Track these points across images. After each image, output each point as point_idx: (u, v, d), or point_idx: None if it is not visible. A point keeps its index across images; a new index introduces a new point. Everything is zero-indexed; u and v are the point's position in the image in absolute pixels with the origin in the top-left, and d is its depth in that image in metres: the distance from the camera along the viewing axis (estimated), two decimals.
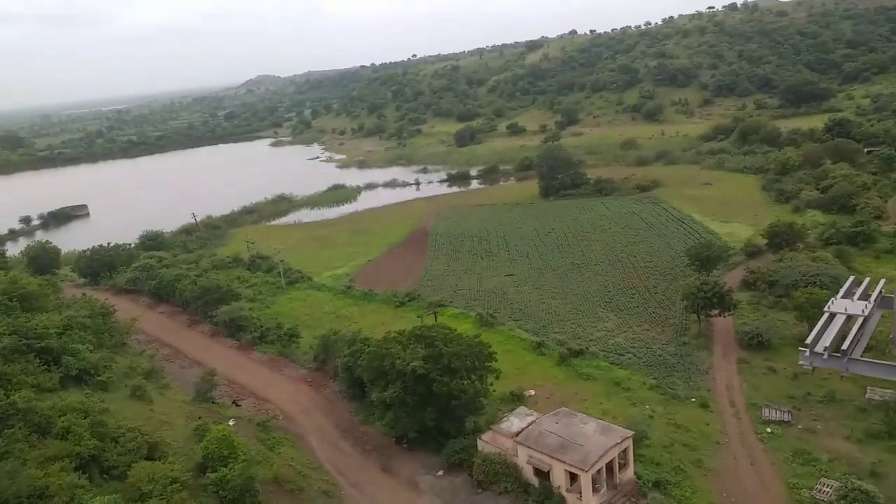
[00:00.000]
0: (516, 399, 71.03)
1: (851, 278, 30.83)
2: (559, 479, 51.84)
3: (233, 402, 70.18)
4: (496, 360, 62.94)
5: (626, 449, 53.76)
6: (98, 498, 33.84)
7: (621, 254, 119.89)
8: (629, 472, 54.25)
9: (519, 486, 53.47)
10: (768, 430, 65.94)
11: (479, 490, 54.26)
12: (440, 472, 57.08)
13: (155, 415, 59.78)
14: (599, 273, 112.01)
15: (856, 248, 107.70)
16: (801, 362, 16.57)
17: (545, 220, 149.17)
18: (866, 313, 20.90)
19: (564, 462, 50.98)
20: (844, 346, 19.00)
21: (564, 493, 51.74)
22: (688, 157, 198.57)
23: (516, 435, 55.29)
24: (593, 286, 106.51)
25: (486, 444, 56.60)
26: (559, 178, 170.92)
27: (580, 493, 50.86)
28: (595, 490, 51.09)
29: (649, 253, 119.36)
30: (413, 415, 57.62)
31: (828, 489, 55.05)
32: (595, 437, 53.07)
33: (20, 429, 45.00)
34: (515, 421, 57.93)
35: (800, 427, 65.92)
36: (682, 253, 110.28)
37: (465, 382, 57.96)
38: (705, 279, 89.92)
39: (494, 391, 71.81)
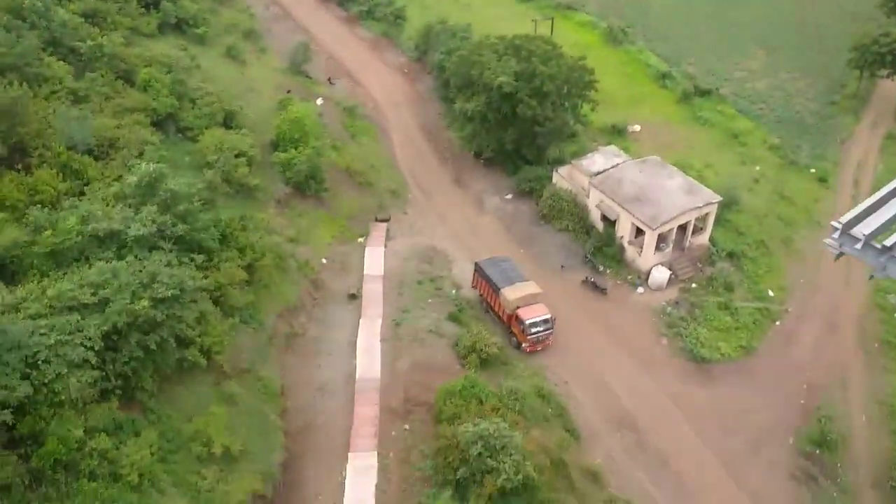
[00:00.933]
0: (617, 132, 66.01)
1: None
2: (624, 230, 49.64)
3: (327, 80, 69.14)
4: (596, 90, 56.94)
5: (707, 214, 49.90)
6: (143, 165, 34.78)
7: None
8: (703, 238, 51.12)
9: (582, 227, 51.90)
10: None
11: (542, 223, 53.25)
12: (509, 196, 55.98)
13: (244, 79, 59.88)
14: None
15: None
16: (825, 241, 10.77)
17: None
18: None
19: (633, 215, 48.19)
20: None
21: (626, 245, 49.93)
22: None
23: (595, 175, 52.10)
24: (755, 13, 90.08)
25: (561, 178, 53.98)
26: None
27: (641, 248, 48.87)
28: (658, 249, 48.87)
29: None
30: (492, 133, 54.78)
31: None
32: (676, 195, 49.13)
33: (103, 74, 45.83)
34: (599, 160, 54.15)
35: None
36: None
37: (555, 109, 53.26)
38: (890, 29, 73.77)
39: (591, 122, 66.76)
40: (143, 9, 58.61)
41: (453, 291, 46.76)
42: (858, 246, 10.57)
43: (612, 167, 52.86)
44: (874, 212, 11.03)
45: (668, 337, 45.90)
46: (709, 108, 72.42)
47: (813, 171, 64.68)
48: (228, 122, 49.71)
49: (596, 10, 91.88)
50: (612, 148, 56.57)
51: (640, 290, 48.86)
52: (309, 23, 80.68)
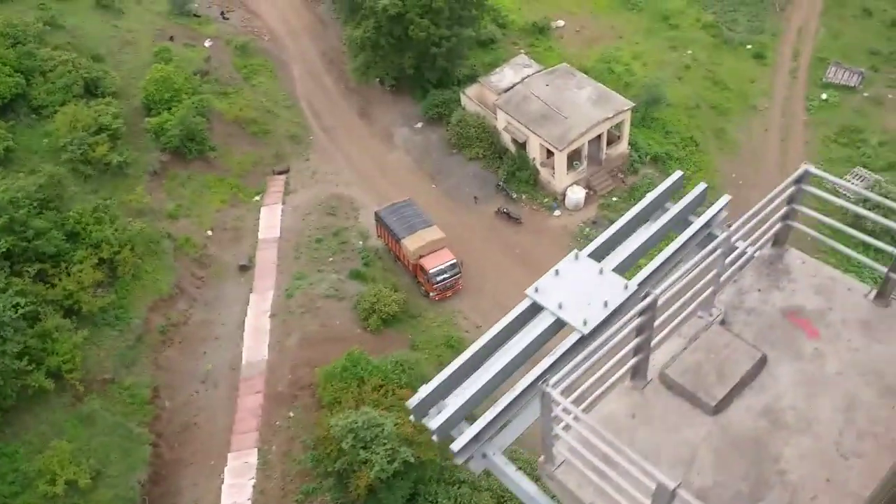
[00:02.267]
0: (539, 32, 61.33)
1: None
2: (535, 151, 46.34)
3: (221, 14, 63.46)
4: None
5: (621, 122, 46.41)
6: None
7: None
8: (621, 147, 47.83)
9: (494, 152, 48.46)
10: (823, 96, 55.73)
11: (454, 151, 49.77)
12: (419, 125, 52.06)
13: (119, 32, 54.51)
14: None
15: None
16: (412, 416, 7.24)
17: None
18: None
19: (540, 136, 44.75)
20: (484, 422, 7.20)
21: (539, 167, 46.78)
22: None
23: (503, 93, 48.17)
24: None
25: (470, 100, 49.98)
26: None
27: (554, 169, 45.79)
28: (572, 167, 45.78)
29: None
30: (388, 59, 50.14)
31: (854, 182, 47.81)
32: (584, 107, 45.46)
33: None
34: (509, 74, 50.02)
35: (865, 95, 55.21)
36: None
37: (451, 26, 48.48)
38: None
39: (513, 22, 61.91)
40: None
41: (360, 243, 44.13)
42: (435, 438, 7.22)
43: (523, 80, 48.86)
44: (451, 391, 7.40)
45: None
46: None
47: (749, 47, 60.46)
48: (93, 89, 45.27)
49: None
50: (523, 58, 52.21)
51: (557, 212, 46.16)
52: None
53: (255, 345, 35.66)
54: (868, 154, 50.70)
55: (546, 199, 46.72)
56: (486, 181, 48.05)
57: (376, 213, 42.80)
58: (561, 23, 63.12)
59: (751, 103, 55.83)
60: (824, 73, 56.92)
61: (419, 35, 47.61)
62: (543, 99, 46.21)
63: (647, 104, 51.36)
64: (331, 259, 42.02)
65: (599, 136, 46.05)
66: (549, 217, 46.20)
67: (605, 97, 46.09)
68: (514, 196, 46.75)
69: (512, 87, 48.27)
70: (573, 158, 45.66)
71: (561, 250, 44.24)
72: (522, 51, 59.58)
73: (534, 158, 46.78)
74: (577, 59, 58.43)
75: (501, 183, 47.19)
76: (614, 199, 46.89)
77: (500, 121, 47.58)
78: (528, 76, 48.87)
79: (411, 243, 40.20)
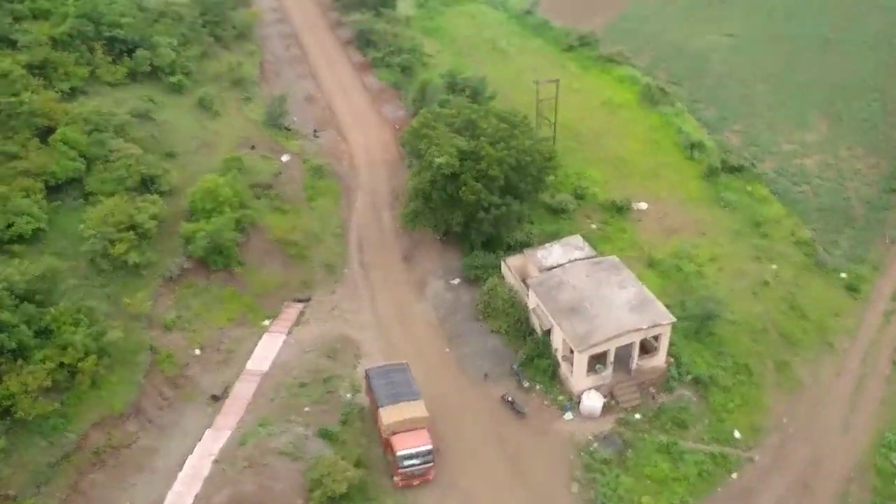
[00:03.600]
0: (617, 210, 58.74)
1: None
2: (558, 342, 42.64)
3: (314, 131, 65.98)
4: (554, 175, 50.33)
5: (658, 335, 42.01)
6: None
7: None
8: (657, 360, 43.07)
9: (519, 331, 45.21)
10: None
11: (479, 318, 46.97)
12: (455, 281, 49.96)
13: (206, 134, 57.48)
14: (850, 57, 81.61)
15: None
16: None
17: None
18: None
19: (563, 330, 41.14)
20: None
21: (560, 359, 42.87)
22: None
23: (544, 271, 45.40)
24: (828, 75, 78.40)
25: (509, 269, 47.53)
26: None
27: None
28: (593, 371, 41.52)
29: None
30: (437, 213, 49.06)
31: None
32: (620, 310, 41.58)
33: (12, 133, 44.16)
34: (556, 252, 47.35)
35: None
36: None
37: (503, 195, 47.04)
38: None
39: (594, 195, 59.66)
40: (111, 57, 57.52)
41: (348, 395, 41.50)
42: None
43: (568, 262, 45.94)
44: None
45: (580, 483, 38.39)
46: (737, 187, 63.67)
47: (843, 276, 54.62)
48: (148, 184, 47.08)
49: (646, 63, 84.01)
50: (576, 239, 49.40)
51: (569, 415, 41.58)
52: (321, 67, 78.26)
53: (185, 491, 33.03)
54: None
55: (560, 398, 42.40)
56: (502, 359, 44.57)
57: (366, 372, 40.30)
58: (644, 206, 60.33)
59: (828, 339, 49.57)
60: None
61: (469, 197, 46.43)
62: (578, 290, 42.89)
63: (706, 317, 46.64)
64: (307, 409, 39.44)
65: (633, 343, 41.78)
66: (558, 418, 41.64)
67: (646, 303, 42.08)
68: (527, 385, 42.82)
69: (553, 268, 45.42)
70: (597, 361, 41.50)
71: (559, 463, 39.50)
72: (594, 225, 57.14)
73: (556, 349, 43.04)
74: (649, 247, 55.15)
75: (516, 367, 43.53)
76: (637, 416, 41.75)
77: (531, 301, 44.55)
78: (574, 260, 45.92)
79: (387, 415, 37.03)
